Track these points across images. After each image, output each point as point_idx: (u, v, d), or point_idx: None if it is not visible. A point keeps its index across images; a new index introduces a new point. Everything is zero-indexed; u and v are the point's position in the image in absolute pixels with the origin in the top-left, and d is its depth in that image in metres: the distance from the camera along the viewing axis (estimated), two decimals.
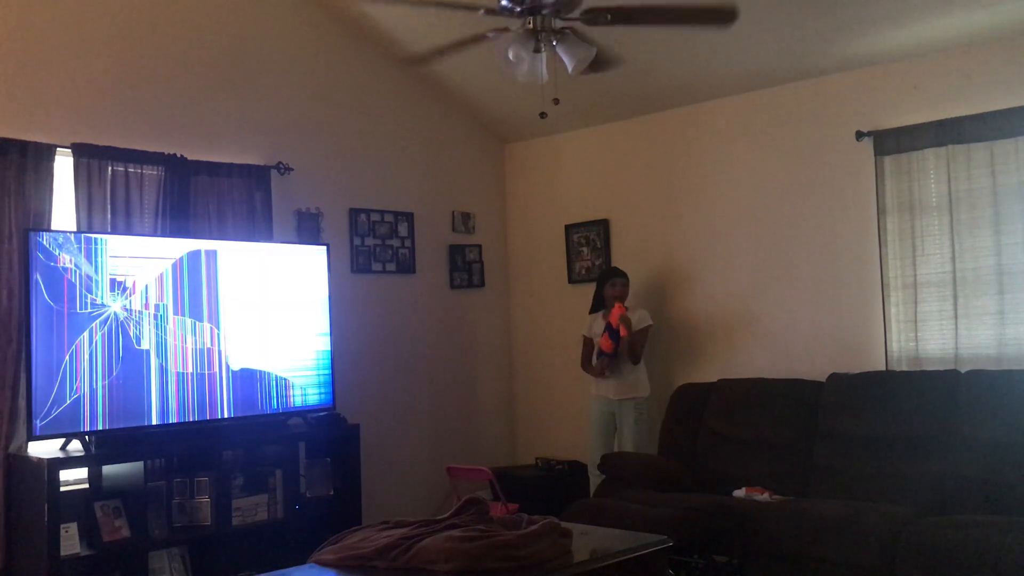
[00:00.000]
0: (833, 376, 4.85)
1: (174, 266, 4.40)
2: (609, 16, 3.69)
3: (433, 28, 4.93)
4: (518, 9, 3.67)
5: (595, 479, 5.26)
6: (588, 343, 5.56)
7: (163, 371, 4.32)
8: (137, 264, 4.27)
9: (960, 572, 3.62)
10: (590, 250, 6.20)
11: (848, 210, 5.03)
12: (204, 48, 5.00)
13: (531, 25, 3.68)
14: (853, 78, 5.04)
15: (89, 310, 4.11)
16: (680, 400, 5.38)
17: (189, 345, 4.42)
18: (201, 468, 4.40)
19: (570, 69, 3.88)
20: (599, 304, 5.56)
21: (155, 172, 4.64)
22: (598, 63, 4.04)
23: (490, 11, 3.73)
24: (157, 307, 4.33)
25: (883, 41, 4.74)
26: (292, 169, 5.24)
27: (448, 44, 4.03)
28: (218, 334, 4.53)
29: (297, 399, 4.82)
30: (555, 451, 6.16)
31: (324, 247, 5.06)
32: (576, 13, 3.71)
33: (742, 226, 5.47)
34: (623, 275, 5.51)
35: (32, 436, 3.98)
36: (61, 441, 4.16)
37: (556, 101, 3.92)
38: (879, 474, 4.44)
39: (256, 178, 5.05)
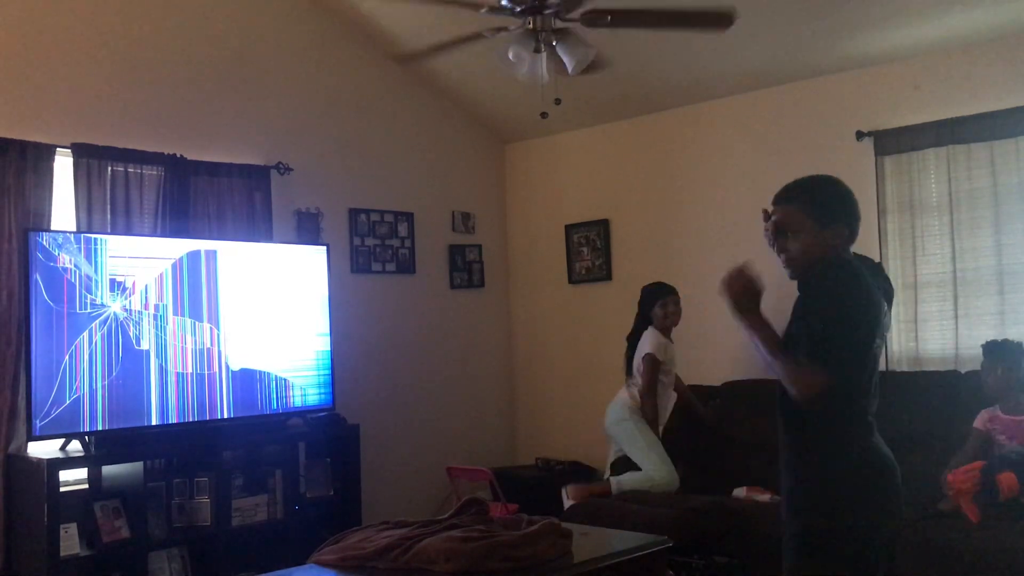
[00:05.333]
0: None
1: (174, 266, 4.39)
2: (609, 17, 3.70)
3: (433, 28, 4.93)
4: (518, 9, 3.68)
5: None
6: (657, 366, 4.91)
7: (163, 371, 4.31)
8: (137, 264, 4.27)
9: (960, 572, 3.62)
10: (590, 250, 6.20)
11: None
12: (204, 48, 4.99)
13: (531, 25, 3.69)
14: (853, 78, 5.04)
15: (89, 310, 4.10)
16: (684, 397, 5.37)
17: (189, 345, 4.42)
18: (201, 468, 4.40)
19: (570, 69, 3.88)
20: (646, 322, 5.01)
21: (155, 172, 4.64)
22: (591, 64, 4.05)
23: (493, 9, 3.73)
24: (157, 307, 4.33)
25: (883, 41, 4.74)
26: (292, 169, 5.24)
27: (445, 42, 4.05)
28: (218, 334, 4.52)
29: (297, 399, 4.82)
30: (555, 451, 6.16)
31: (324, 247, 5.06)
32: (576, 14, 3.72)
33: (742, 226, 5.46)
34: (675, 291, 5.01)
35: (32, 436, 3.98)
36: (61, 441, 4.16)
37: (558, 101, 3.93)
38: None
39: (256, 178, 5.05)
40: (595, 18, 3.73)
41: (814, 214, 2.41)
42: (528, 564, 2.58)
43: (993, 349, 4.13)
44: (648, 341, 4.96)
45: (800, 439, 2.43)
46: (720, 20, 3.76)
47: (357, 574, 2.64)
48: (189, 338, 4.42)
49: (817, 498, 2.37)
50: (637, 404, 4.98)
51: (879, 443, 2.45)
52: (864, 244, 4.93)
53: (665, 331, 5.01)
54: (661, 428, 5.01)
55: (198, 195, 4.80)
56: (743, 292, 2.39)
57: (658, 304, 4.98)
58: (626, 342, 5.09)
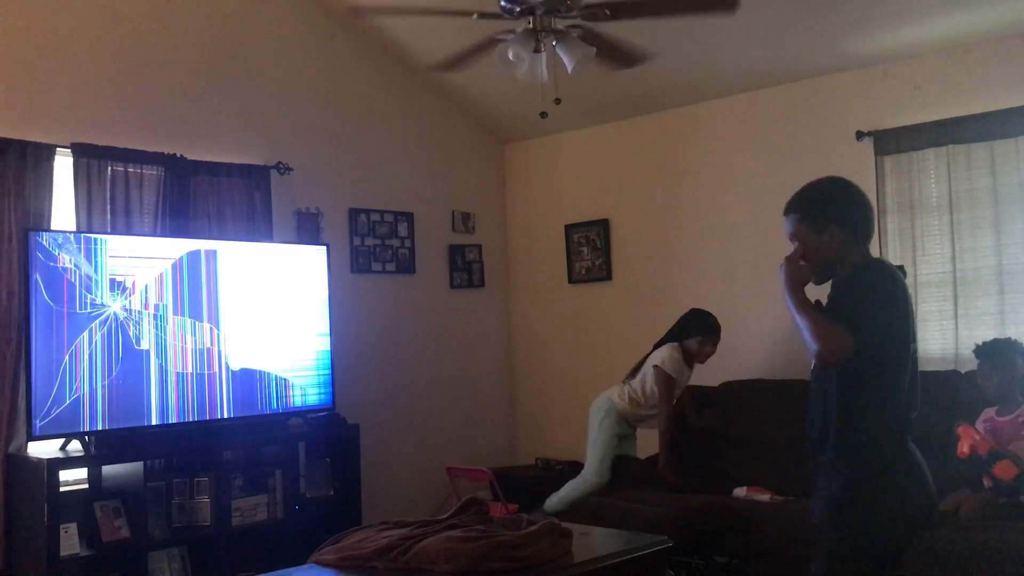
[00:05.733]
0: None
1: (174, 266, 4.40)
2: (608, 11, 3.68)
3: (433, 28, 4.95)
4: (518, 9, 3.68)
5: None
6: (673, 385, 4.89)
7: (163, 371, 4.31)
8: (137, 264, 4.27)
9: (960, 572, 3.62)
10: (590, 250, 6.20)
11: None
12: (204, 48, 4.99)
13: (531, 25, 3.69)
14: (853, 78, 5.04)
15: (89, 310, 4.10)
16: (681, 401, 5.37)
17: (189, 345, 4.42)
18: (201, 468, 4.40)
19: (570, 69, 3.88)
20: (676, 341, 4.93)
21: (155, 172, 4.64)
22: (626, 58, 4.02)
23: (484, 15, 3.73)
24: (157, 307, 4.33)
25: (883, 41, 4.74)
26: (292, 169, 5.24)
27: (463, 52, 4.03)
28: (218, 334, 4.52)
29: (297, 399, 4.82)
30: (555, 451, 6.16)
31: (324, 247, 5.06)
32: (575, 12, 3.71)
33: (742, 226, 5.47)
34: (720, 332, 4.90)
35: (32, 436, 3.98)
36: (61, 441, 4.16)
37: (558, 101, 3.93)
38: None
39: (256, 178, 5.05)
40: (594, 12, 3.71)
41: (808, 221, 2.63)
42: (528, 564, 2.58)
43: (985, 352, 4.10)
44: (665, 356, 4.84)
45: (842, 444, 2.48)
46: (725, 3, 3.64)
47: (357, 574, 2.64)
48: (189, 338, 4.42)
49: (858, 510, 2.43)
50: (624, 404, 4.97)
51: (914, 450, 2.52)
52: None
53: (690, 360, 4.93)
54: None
55: (198, 195, 4.80)
56: (800, 269, 2.58)
57: (698, 339, 4.86)
58: (652, 348, 5.02)
